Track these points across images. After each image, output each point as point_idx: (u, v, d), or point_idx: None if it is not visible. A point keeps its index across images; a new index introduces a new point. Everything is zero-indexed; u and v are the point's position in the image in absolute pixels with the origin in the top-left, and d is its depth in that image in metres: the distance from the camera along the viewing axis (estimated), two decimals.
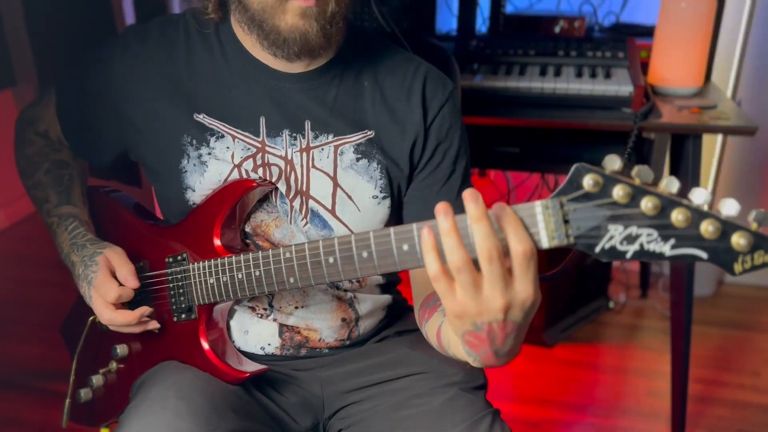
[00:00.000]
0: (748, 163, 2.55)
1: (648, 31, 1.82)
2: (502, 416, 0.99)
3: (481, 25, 2.06)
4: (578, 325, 2.39)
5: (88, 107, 1.05)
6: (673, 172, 1.69)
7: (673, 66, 1.62)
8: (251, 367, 0.99)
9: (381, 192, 0.99)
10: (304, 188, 0.98)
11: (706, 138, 1.55)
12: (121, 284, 0.97)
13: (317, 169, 0.98)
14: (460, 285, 0.67)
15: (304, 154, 0.98)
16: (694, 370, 1.80)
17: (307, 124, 0.98)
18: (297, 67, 0.97)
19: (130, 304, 0.98)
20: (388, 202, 1.00)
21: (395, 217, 1.03)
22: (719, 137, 2.48)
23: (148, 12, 2.05)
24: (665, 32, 1.60)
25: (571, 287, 2.34)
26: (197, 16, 1.01)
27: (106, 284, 0.96)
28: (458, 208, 1.00)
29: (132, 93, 0.99)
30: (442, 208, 0.66)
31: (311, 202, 0.98)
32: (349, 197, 0.98)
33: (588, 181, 0.63)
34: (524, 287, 0.66)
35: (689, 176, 1.56)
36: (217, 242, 0.95)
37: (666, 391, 1.88)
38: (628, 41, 1.71)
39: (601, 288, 2.50)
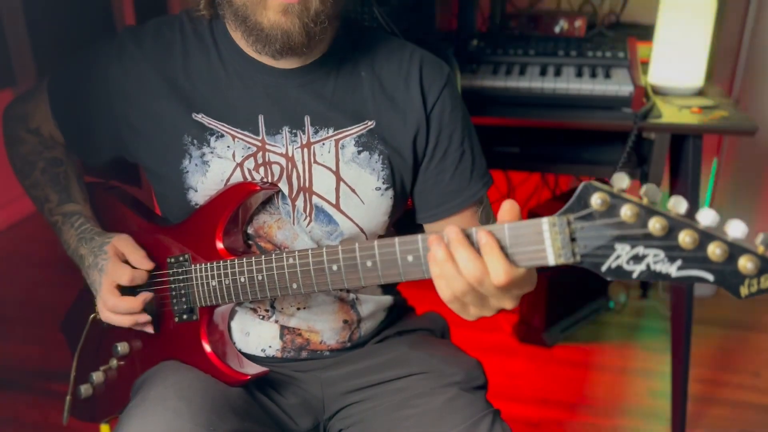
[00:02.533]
0: (748, 163, 2.54)
1: (648, 31, 1.82)
2: (502, 416, 0.99)
3: (481, 25, 2.06)
4: (578, 325, 2.39)
5: (85, 109, 1.04)
6: (673, 172, 1.69)
7: (673, 66, 1.61)
8: (252, 369, 0.99)
9: (384, 183, 0.99)
10: (307, 184, 0.98)
11: (706, 138, 1.55)
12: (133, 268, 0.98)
13: (319, 164, 0.98)
14: (471, 305, 0.75)
15: (305, 150, 0.97)
16: (694, 370, 1.80)
17: (307, 120, 0.98)
18: (293, 63, 0.97)
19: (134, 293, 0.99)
20: (391, 192, 1.00)
21: (399, 209, 1.03)
22: (719, 137, 2.48)
23: (148, 12, 2.05)
24: (665, 32, 1.60)
25: (571, 287, 2.33)
26: (191, 15, 1.01)
27: (118, 268, 0.98)
28: (471, 189, 1.02)
29: (130, 95, 0.99)
30: (434, 240, 0.72)
31: (315, 198, 0.98)
32: (353, 190, 0.98)
33: (596, 200, 0.63)
34: (518, 293, 0.74)
35: (689, 176, 1.56)
36: (220, 245, 0.95)
37: (666, 391, 1.88)
38: (628, 41, 1.71)
39: (601, 288, 2.50)
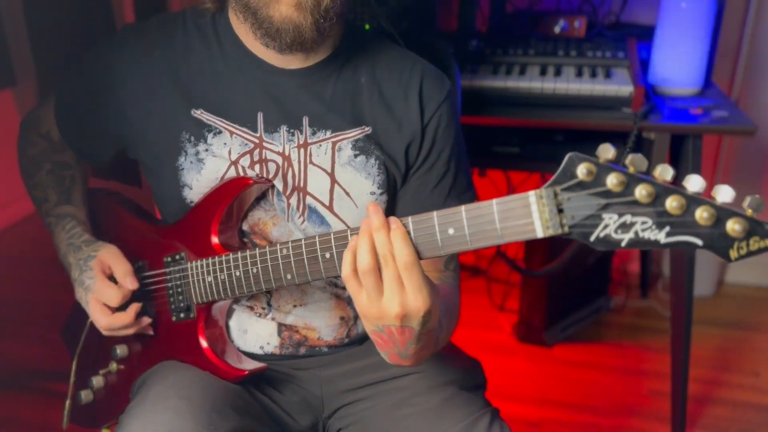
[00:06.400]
0: (748, 163, 2.55)
1: (648, 31, 1.82)
2: (501, 416, 0.99)
3: (481, 25, 2.06)
4: (578, 325, 2.39)
5: (86, 106, 1.05)
6: None
7: (673, 66, 1.62)
8: (250, 365, 1.00)
9: (379, 188, 0.99)
10: (302, 184, 0.98)
11: (706, 138, 1.56)
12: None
13: (315, 165, 0.98)
14: (365, 288, 0.74)
15: (302, 150, 0.98)
16: (694, 370, 1.80)
17: (305, 120, 0.98)
18: (294, 63, 0.97)
19: (125, 305, 0.98)
20: (385, 197, 1.00)
21: (392, 214, 1.03)
22: (719, 137, 2.48)
23: (148, 12, 2.05)
24: (665, 32, 1.60)
25: (571, 287, 2.33)
26: (195, 12, 1.01)
27: (106, 289, 0.96)
28: (447, 207, 1.00)
29: (130, 91, 0.99)
30: (371, 208, 0.74)
31: (309, 199, 0.98)
32: (347, 194, 0.98)
33: (582, 170, 0.63)
34: (413, 295, 0.73)
35: None
36: (215, 240, 0.95)
37: (666, 391, 1.88)
38: (628, 41, 1.71)
39: (601, 288, 2.50)
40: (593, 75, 1.58)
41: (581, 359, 2.23)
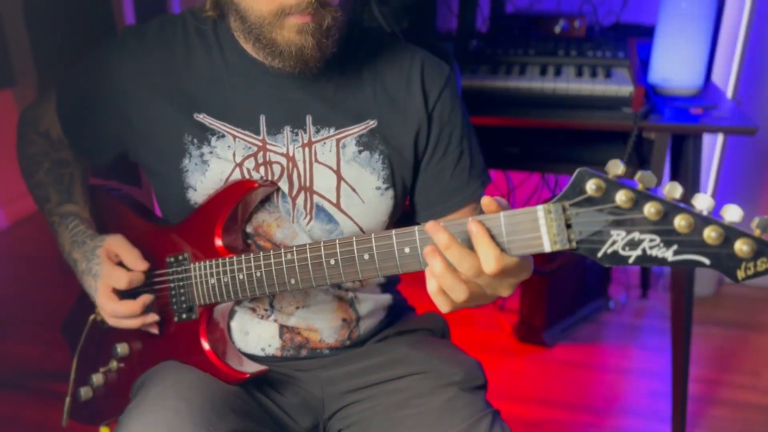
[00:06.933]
0: (748, 163, 2.55)
1: (648, 31, 1.82)
2: (502, 416, 0.99)
3: (481, 25, 2.06)
4: (578, 325, 2.39)
5: (88, 107, 1.05)
6: (674, 172, 1.69)
7: (673, 66, 1.61)
8: (252, 367, 0.99)
9: (384, 183, 0.99)
10: (308, 184, 0.98)
11: (706, 138, 1.55)
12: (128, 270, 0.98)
13: (320, 163, 0.98)
14: (467, 301, 0.74)
15: (307, 149, 0.98)
16: (694, 370, 1.80)
17: (309, 119, 0.98)
18: None
19: (134, 295, 0.98)
20: (391, 192, 1.00)
21: (399, 208, 1.04)
22: (719, 137, 2.48)
23: (148, 12, 2.05)
24: (665, 32, 1.60)
25: (571, 287, 2.33)
26: (196, 15, 1.01)
27: (114, 272, 0.97)
28: (470, 188, 1.03)
29: (131, 93, 0.99)
30: (431, 228, 0.71)
31: (316, 198, 0.98)
32: (354, 190, 0.98)
33: (591, 186, 0.63)
34: (516, 276, 0.74)
35: (689, 176, 1.56)
36: (219, 242, 0.95)
37: (666, 391, 1.88)
38: (628, 41, 1.70)
39: (601, 288, 2.50)
40: (593, 75, 1.58)
41: (581, 359, 2.23)
